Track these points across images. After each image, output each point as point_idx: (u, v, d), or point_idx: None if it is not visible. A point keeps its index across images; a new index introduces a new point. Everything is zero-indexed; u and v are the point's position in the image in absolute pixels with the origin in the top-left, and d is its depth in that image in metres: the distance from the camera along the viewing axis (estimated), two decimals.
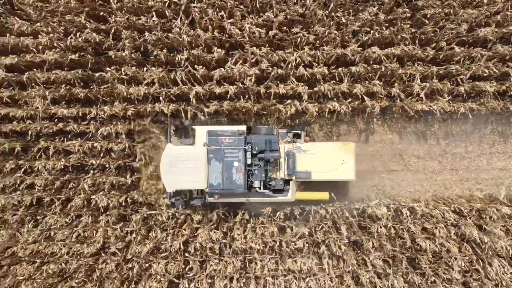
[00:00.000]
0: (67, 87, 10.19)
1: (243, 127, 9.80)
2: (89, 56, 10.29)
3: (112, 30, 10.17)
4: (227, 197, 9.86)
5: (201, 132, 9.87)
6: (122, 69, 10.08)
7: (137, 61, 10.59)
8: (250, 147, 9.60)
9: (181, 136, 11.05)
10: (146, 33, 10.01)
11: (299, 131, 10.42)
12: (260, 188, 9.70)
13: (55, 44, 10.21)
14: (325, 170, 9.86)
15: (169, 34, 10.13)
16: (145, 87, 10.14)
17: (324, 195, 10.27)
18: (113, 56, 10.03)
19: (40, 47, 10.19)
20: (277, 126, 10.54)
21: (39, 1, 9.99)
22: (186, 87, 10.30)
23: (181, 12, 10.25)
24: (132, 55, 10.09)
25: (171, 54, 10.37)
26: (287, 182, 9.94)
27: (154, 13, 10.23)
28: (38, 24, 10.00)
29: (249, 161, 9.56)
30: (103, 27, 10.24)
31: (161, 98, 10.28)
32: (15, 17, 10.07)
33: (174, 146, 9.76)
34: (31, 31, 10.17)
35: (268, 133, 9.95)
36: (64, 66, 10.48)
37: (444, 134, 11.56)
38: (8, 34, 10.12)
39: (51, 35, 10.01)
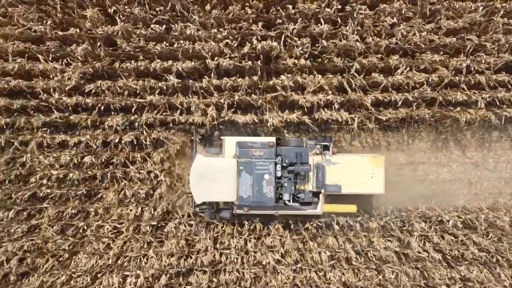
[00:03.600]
0: (241, 94, 10.13)
1: (273, 139, 9.66)
2: (258, 63, 10.22)
3: (283, 38, 10.14)
4: (256, 210, 9.67)
5: (230, 143, 9.76)
6: (298, 77, 9.99)
7: (298, 68, 10.54)
8: (280, 159, 9.46)
9: (206, 145, 10.99)
10: (324, 41, 9.94)
11: (327, 143, 10.22)
12: (289, 201, 9.57)
13: (224, 51, 10.14)
14: (355, 184, 9.74)
15: (338, 42, 10.07)
16: (320, 94, 10.07)
17: (352, 208, 10.15)
18: (290, 64, 9.96)
19: (209, 53, 10.12)
20: (306, 138, 10.40)
21: (215, 8, 9.90)
22: (356, 94, 10.23)
23: (350, 19, 10.22)
24: (307, 62, 10.02)
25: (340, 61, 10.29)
26: (314, 194, 9.78)
27: (322, 20, 10.21)
28: (214, 30, 9.90)
29: (279, 174, 9.42)
30: (272, 34, 10.18)
31: (335, 105, 10.20)
32: (189, 23, 9.97)
33: (204, 157, 9.62)
34: (201, 37, 10.10)
35: (298, 145, 9.78)
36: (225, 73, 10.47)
37: None
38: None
39: (225, 41, 9.93)
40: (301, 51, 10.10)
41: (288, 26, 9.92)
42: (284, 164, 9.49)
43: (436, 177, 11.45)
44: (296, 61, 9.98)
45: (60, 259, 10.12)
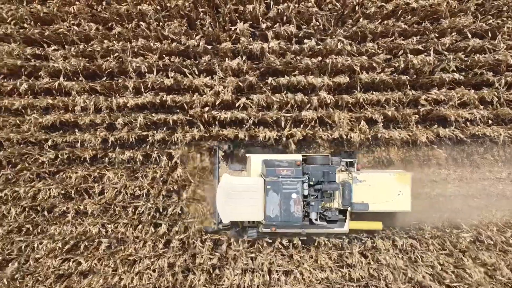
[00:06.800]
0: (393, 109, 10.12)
1: (299, 157, 9.56)
2: (406, 77, 10.20)
3: (432, 52, 10.09)
4: (282, 229, 9.59)
5: (255, 161, 9.65)
6: (453, 92, 9.98)
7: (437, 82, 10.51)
8: (307, 178, 9.35)
9: (228, 161, 10.90)
10: (477, 56, 9.92)
11: (352, 160, 10.13)
12: (316, 219, 9.46)
13: (374, 65, 10.12)
14: (381, 201, 9.61)
15: (491, 56, 10.04)
16: (475, 109, 10.08)
17: (378, 225, 10.11)
18: (446, 78, 9.94)
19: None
20: (330, 154, 10.21)
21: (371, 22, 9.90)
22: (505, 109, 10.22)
23: (498, 33, 10.17)
24: (461, 76, 10.00)
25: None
26: (340, 211, 9.66)
27: (469, 34, 10.17)
28: (370, 44, 9.89)
29: (305, 193, 9.30)
30: (420, 47, 10.13)
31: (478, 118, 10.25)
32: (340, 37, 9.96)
33: (231, 176, 9.53)
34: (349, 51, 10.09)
35: (324, 163, 9.63)
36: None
37: None
38: None
39: (380, 55, 9.93)
40: (451, 65, 10.06)
41: (442, 40, 9.88)
42: (311, 183, 9.38)
43: None
44: (449, 75, 9.93)
45: (211, 276, 10.06)
